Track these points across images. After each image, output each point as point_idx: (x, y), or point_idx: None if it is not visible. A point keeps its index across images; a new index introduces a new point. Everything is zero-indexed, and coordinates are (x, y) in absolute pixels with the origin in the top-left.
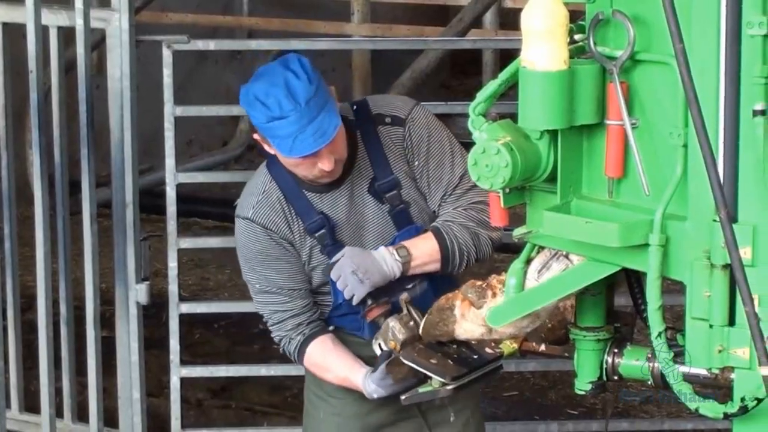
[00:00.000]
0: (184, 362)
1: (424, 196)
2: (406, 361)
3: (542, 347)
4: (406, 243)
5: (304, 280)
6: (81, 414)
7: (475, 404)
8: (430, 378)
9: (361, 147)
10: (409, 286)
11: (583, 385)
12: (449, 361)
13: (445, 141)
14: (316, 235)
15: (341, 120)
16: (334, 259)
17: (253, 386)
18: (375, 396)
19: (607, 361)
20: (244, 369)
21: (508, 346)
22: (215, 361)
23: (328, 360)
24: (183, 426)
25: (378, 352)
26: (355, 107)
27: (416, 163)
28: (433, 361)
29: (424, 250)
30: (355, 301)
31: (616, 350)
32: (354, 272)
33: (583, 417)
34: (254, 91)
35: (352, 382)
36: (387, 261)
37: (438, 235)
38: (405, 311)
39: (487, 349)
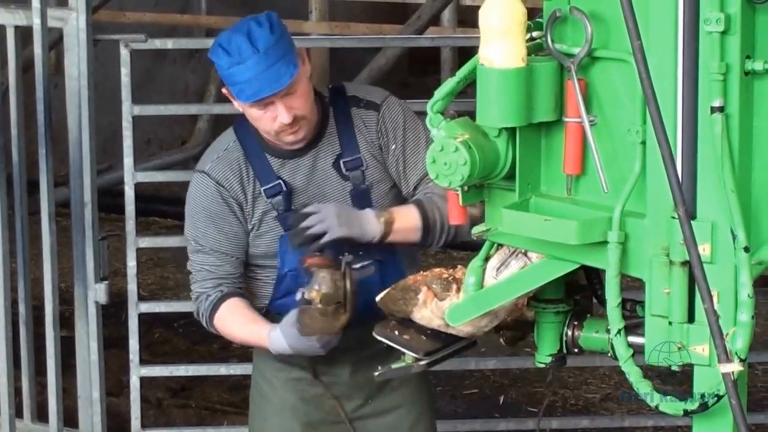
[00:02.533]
0: (143, 362)
1: (393, 180)
2: (379, 337)
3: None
4: (392, 209)
5: (241, 249)
6: (41, 414)
7: (429, 406)
8: (404, 354)
9: (331, 123)
10: (358, 265)
11: (543, 357)
12: (422, 336)
13: (420, 128)
14: (272, 200)
15: (298, 71)
16: (315, 207)
17: (213, 385)
18: (277, 349)
19: (567, 334)
20: (204, 368)
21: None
22: (175, 360)
23: (236, 315)
24: (143, 425)
25: (297, 297)
26: (330, 86)
27: (392, 146)
28: (406, 336)
29: (407, 219)
30: (326, 238)
31: (575, 323)
32: (338, 215)
33: (543, 415)
34: (219, 40)
35: (257, 333)
36: (371, 221)
37: (420, 206)
38: (341, 272)
39: None
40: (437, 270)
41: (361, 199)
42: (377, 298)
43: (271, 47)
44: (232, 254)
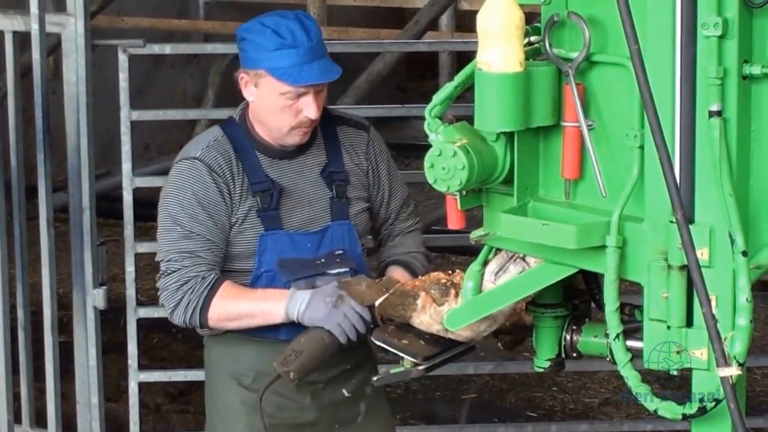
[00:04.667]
0: (142, 367)
1: (368, 203)
2: (377, 342)
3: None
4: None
5: (224, 243)
6: (39, 419)
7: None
8: (402, 358)
9: (319, 135)
10: (335, 271)
11: (541, 362)
12: (421, 341)
13: (393, 162)
14: (260, 196)
15: None
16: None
17: None
18: (293, 307)
19: (565, 338)
20: (203, 373)
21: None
22: (173, 365)
23: (241, 288)
24: (142, 431)
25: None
26: None
27: (379, 170)
28: (404, 341)
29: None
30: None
31: (574, 327)
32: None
33: (541, 419)
34: (264, 21)
35: (273, 298)
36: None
37: (408, 269)
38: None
39: None
40: (435, 275)
41: (340, 209)
42: (376, 303)
43: (320, 41)
44: (219, 245)
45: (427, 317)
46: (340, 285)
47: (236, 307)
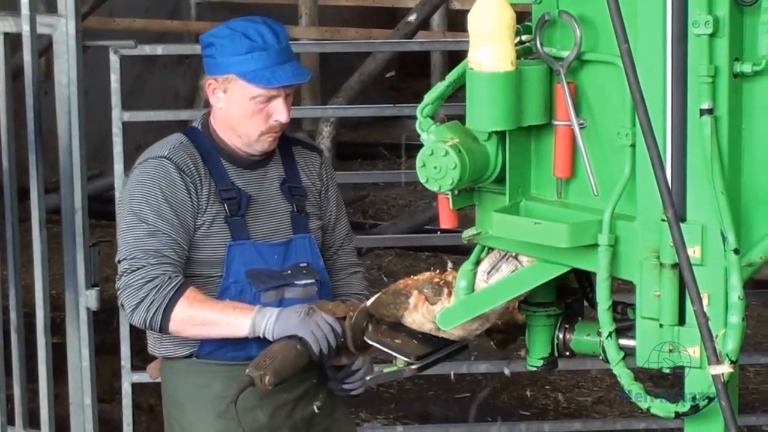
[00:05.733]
0: (135, 368)
1: (321, 220)
2: (371, 342)
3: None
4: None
5: (187, 243)
6: (32, 421)
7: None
8: (395, 358)
9: (276, 151)
10: (302, 282)
11: (534, 361)
12: (414, 340)
13: (340, 192)
14: (227, 203)
15: None
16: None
17: None
18: (261, 319)
19: (558, 337)
20: None
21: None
22: None
23: (207, 298)
24: None
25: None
26: None
27: (329, 193)
28: (397, 340)
29: None
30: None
31: (567, 326)
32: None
33: (535, 418)
34: (233, 26)
35: (241, 308)
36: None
37: None
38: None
39: None
40: (428, 274)
41: (300, 223)
42: (368, 303)
43: (289, 45)
44: (183, 246)
45: (419, 316)
46: (308, 305)
47: (201, 313)
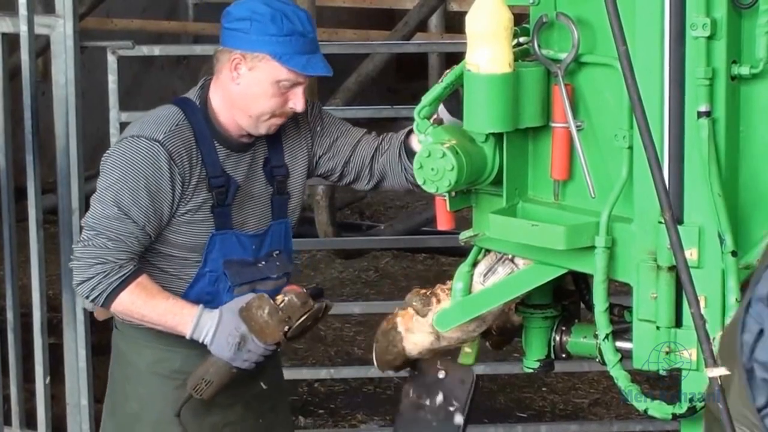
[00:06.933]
0: None
1: (303, 195)
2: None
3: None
4: None
5: (156, 230)
6: (29, 421)
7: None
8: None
9: None
10: (275, 275)
11: (530, 363)
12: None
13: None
14: (216, 191)
15: None
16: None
17: None
18: (201, 328)
19: (555, 339)
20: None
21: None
22: None
23: (155, 289)
24: None
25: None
26: None
27: (324, 122)
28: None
29: None
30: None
31: (563, 328)
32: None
33: (531, 420)
34: (271, 4)
35: (186, 307)
36: None
37: None
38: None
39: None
40: (414, 290)
41: (278, 206)
42: (376, 365)
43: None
44: (150, 235)
45: (415, 335)
46: (242, 315)
47: (142, 311)
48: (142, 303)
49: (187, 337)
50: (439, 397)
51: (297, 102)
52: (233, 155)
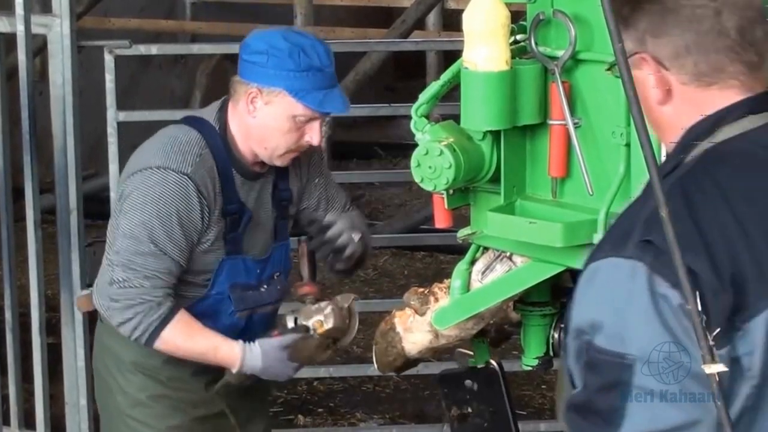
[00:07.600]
0: None
1: (305, 209)
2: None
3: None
4: None
5: (187, 261)
6: (28, 421)
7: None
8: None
9: None
10: (273, 300)
11: (529, 360)
12: None
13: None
14: (229, 218)
15: None
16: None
17: None
18: (248, 365)
19: (553, 336)
20: None
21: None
22: None
23: (195, 326)
24: None
25: (290, 325)
26: None
27: (317, 180)
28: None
29: None
30: (348, 251)
31: (562, 325)
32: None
33: (531, 417)
34: (290, 39)
35: (224, 345)
36: None
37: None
38: (347, 307)
39: None
40: (412, 289)
41: (280, 230)
42: (377, 367)
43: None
44: (183, 266)
45: (413, 334)
46: (288, 353)
47: (184, 347)
48: (182, 341)
49: (237, 366)
50: (477, 403)
51: (314, 136)
52: (247, 183)
